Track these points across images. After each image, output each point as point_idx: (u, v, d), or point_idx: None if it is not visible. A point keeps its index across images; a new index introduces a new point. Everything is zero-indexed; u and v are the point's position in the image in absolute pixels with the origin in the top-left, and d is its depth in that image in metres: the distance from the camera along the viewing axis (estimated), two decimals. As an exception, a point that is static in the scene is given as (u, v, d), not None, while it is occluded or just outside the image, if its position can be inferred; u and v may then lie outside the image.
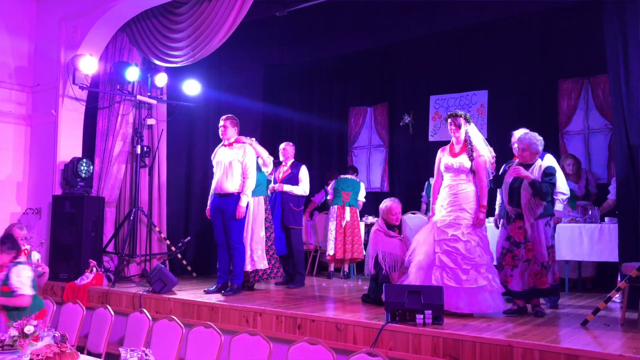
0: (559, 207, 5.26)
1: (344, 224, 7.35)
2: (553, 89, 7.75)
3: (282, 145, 6.82)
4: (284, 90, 10.29)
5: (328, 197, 7.87)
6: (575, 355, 3.35)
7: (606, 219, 6.15)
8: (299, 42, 8.59)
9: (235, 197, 5.69)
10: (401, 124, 8.99)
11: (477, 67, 8.41)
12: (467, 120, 4.88)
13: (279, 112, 9.74)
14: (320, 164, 9.87)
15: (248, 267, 5.98)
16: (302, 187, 6.59)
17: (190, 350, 4.01)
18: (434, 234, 4.72)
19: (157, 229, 7.17)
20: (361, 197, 7.72)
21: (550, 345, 3.46)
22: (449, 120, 4.91)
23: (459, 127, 4.84)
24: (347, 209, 7.44)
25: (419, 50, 8.83)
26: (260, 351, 3.72)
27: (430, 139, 8.69)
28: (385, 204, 5.37)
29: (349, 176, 7.70)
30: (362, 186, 7.84)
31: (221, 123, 5.89)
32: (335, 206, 7.50)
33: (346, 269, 7.65)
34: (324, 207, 8.73)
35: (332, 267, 7.64)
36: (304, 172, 6.65)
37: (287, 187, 6.50)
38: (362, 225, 7.66)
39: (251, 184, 5.74)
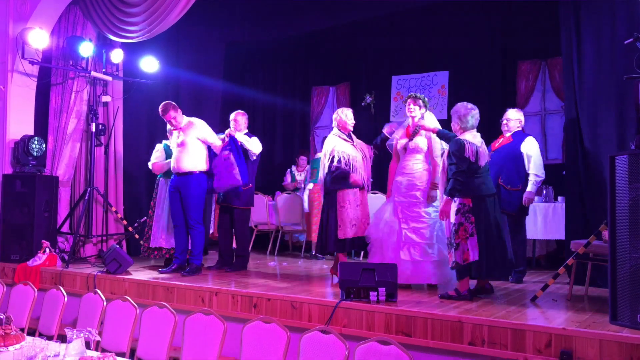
0: (531, 188, 5.27)
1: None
2: (512, 70, 7.87)
3: (232, 116, 6.18)
4: (246, 69, 10.16)
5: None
6: (521, 329, 3.45)
7: (559, 198, 6.31)
8: (261, 19, 8.42)
9: (194, 176, 5.63)
10: (363, 104, 8.99)
11: (438, 47, 8.44)
12: (425, 105, 5.06)
13: (240, 92, 9.60)
14: (283, 144, 9.83)
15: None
16: (255, 145, 5.98)
17: (144, 330, 3.96)
18: (398, 212, 4.90)
19: (113, 208, 7.03)
20: None
21: (498, 321, 3.55)
22: (409, 100, 5.06)
23: (417, 107, 5.02)
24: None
25: (381, 30, 8.81)
26: (215, 330, 3.70)
27: (392, 119, 8.72)
28: (342, 112, 5.43)
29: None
30: None
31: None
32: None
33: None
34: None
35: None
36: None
37: (240, 136, 5.90)
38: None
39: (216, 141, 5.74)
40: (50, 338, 4.25)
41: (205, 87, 8.03)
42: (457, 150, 4.38)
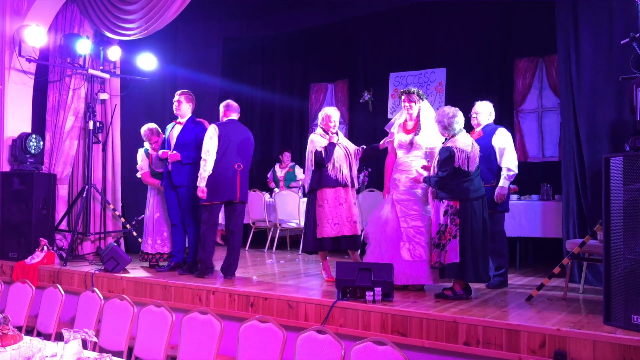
0: (503, 183, 4.88)
1: None
2: (509, 68, 7.87)
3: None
4: (244, 65, 10.16)
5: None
6: (515, 330, 3.48)
7: (556, 196, 6.32)
8: (259, 16, 8.44)
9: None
10: (361, 101, 9.02)
11: (436, 44, 8.46)
12: (420, 97, 4.93)
13: (238, 88, 9.59)
14: (281, 141, 9.84)
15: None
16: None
17: (142, 329, 3.98)
18: (397, 210, 4.77)
19: (111, 206, 7.04)
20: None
21: (493, 321, 3.57)
22: (403, 97, 4.96)
23: (412, 103, 4.90)
24: None
25: (379, 27, 8.82)
26: (212, 329, 3.72)
27: (389, 116, 8.72)
28: (323, 112, 5.31)
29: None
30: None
31: (176, 98, 5.72)
32: None
33: None
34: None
35: None
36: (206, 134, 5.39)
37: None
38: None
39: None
40: (48, 336, 4.27)
41: (203, 83, 8.03)
42: (447, 159, 4.33)
